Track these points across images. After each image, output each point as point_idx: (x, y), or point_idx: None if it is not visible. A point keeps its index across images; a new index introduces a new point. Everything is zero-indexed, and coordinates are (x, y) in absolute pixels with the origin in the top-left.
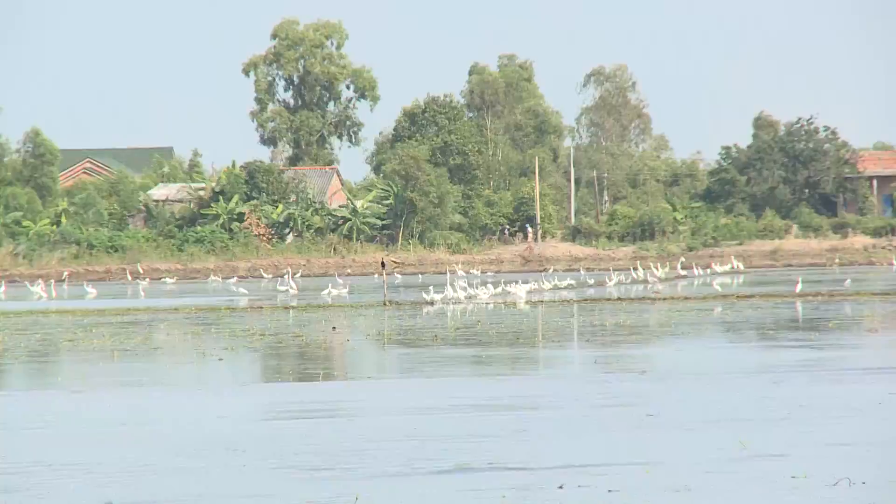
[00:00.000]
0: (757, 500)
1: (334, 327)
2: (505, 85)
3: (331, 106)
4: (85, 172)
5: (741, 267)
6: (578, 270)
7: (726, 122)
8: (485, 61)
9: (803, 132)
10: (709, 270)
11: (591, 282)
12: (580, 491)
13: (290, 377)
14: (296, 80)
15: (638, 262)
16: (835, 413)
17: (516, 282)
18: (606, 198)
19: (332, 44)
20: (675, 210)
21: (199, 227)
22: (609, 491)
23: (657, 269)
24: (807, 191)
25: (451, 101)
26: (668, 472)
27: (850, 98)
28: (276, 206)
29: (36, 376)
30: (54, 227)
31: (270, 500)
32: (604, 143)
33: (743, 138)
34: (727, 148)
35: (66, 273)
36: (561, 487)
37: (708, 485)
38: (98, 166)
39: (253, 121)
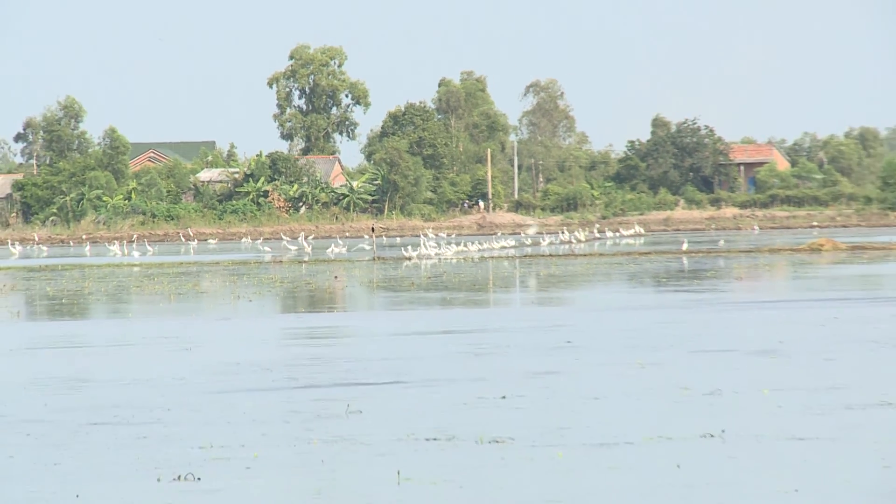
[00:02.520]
0: (651, 404)
1: (336, 276)
2: (465, 94)
3: (333, 110)
4: (149, 160)
5: (642, 231)
6: (520, 233)
7: (631, 121)
8: (450, 76)
9: (688, 130)
10: (617, 233)
11: (529, 242)
12: (519, 399)
13: (303, 311)
14: (307, 90)
15: (564, 227)
16: (714, 334)
17: (472, 242)
18: (541, 179)
19: (335, 63)
20: (592, 188)
21: (234, 201)
22: (546, 399)
23: (579, 232)
24: (691, 174)
25: (424, 107)
26: (583, 384)
27: (725, 101)
28: (293, 186)
29: (113, 311)
30: (126, 201)
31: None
32: (539, 138)
33: (643, 134)
34: (632, 142)
35: (135, 236)
36: (504, 398)
37: (614, 392)
38: (158, 155)
39: (275, 121)
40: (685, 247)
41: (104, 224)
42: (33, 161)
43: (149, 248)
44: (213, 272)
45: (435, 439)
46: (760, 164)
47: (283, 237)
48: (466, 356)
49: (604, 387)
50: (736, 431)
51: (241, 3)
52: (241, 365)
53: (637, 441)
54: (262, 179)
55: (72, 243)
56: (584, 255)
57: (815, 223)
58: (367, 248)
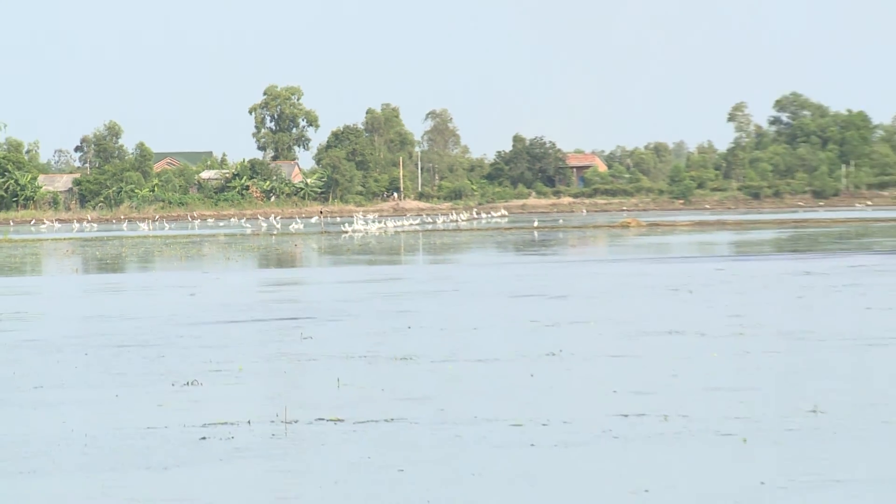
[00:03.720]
0: (512, 333)
1: (295, 244)
2: (384, 118)
3: (293, 130)
4: (167, 164)
5: (506, 213)
6: (422, 215)
7: (498, 138)
8: (374, 106)
9: (538, 143)
10: (489, 214)
11: (429, 221)
12: (421, 329)
13: (274, 266)
14: (276, 116)
15: (453, 210)
16: (555, 284)
17: (389, 221)
18: (437, 177)
19: (294, 97)
20: (472, 184)
21: (226, 193)
22: (441, 329)
23: (464, 214)
24: (539, 174)
25: (356, 127)
26: (466, 318)
27: (563, 122)
28: (266, 182)
29: (141, 268)
30: (151, 193)
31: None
32: (435, 149)
33: (507, 146)
34: (499, 152)
35: (157, 217)
36: (409, 328)
37: (486, 325)
38: (173, 161)
39: (253, 137)
40: (536, 224)
41: (135, 209)
42: (87, 165)
43: (166, 225)
44: (210, 242)
45: (363, 357)
46: (587, 167)
47: (260, 218)
48: (384, 298)
49: (480, 321)
50: (570, 351)
51: (232, 56)
52: (229, 305)
53: (503, 358)
54: (245, 178)
55: (113, 222)
56: (467, 230)
57: (624, 208)
58: (315, 223)
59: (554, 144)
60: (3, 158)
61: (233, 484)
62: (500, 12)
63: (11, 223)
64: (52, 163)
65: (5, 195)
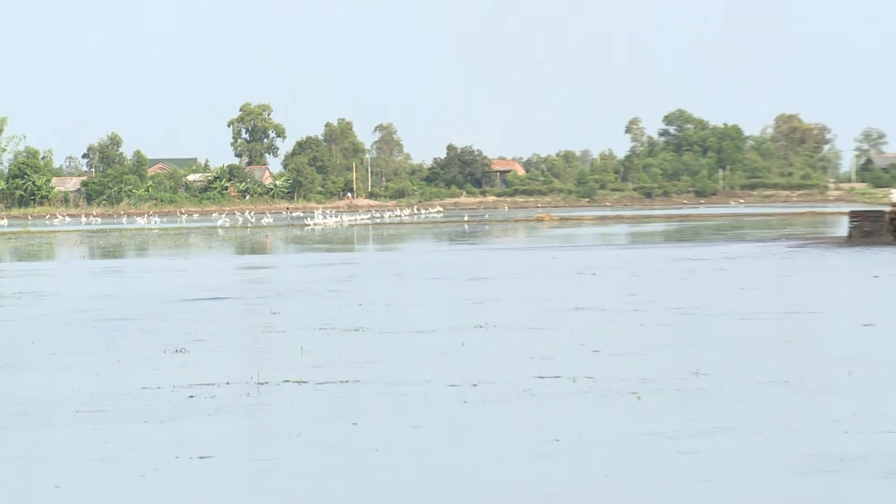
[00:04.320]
0: (446, 309)
1: (266, 235)
2: (340, 131)
3: (265, 140)
4: (159, 169)
5: (441, 210)
6: (371, 211)
7: (435, 146)
8: (331, 120)
9: (468, 151)
10: (427, 211)
11: (382, 215)
12: (371, 306)
13: (248, 253)
14: (250, 128)
15: (397, 207)
16: (483, 268)
17: (345, 215)
18: (384, 180)
19: (266, 113)
20: (413, 185)
21: (208, 192)
22: (387, 305)
23: (406, 210)
24: (469, 177)
25: (317, 138)
26: (407, 296)
27: (489, 132)
28: (241, 183)
29: (138, 255)
30: (146, 192)
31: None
32: (382, 156)
33: (442, 153)
34: (435, 158)
35: (151, 212)
36: (360, 304)
37: (425, 301)
38: (165, 166)
39: (231, 146)
40: (466, 218)
41: (133, 206)
42: (92, 169)
43: (158, 219)
44: (196, 233)
45: (322, 329)
46: (508, 171)
47: (236, 213)
48: (339, 280)
49: (420, 299)
50: (494, 324)
51: (214, 79)
52: (209, 285)
53: (439, 329)
54: (224, 180)
55: (114, 217)
56: (408, 224)
57: (539, 205)
58: (283, 217)
59: (481, 152)
60: (23, 164)
61: (216, 434)
62: (436, 41)
63: (30, 218)
64: (64, 167)
65: (24, 194)
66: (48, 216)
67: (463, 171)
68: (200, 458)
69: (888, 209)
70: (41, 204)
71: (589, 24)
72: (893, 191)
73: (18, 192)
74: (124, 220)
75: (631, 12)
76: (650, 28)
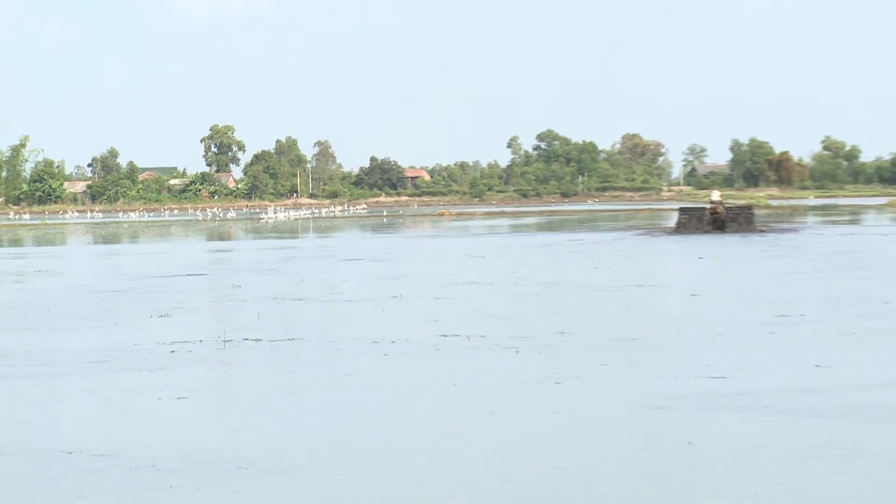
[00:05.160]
0: (370, 284)
1: (230, 226)
2: (287, 146)
3: (229, 153)
4: (147, 175)
5: (366, 207)
6: (311, 208)
7: (361, 158)
8: (280, 138)
9: (387, 162)
10: (355, 208)
11: (319, 211)
12: (311, 281)
13: (216, 240)
14: (218, 144)
15: (331, 205)
16: (399, 252)
17: (291, 211)
18: (322, 184)
19: (230, 132)
20: (344, 188)
21: (185, 193)
22: (322, 281)
23: (338, 207)
24: (387, 182)
25: (269, 152)
26: (341, 274)
27: (404, 146)
28: (211, 186)
29: (131, 240)
30: (137, 193)
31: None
32: (320, 166)
33: (367, 163)
34: (361, 167)
35: (141, 209)
36: (302, 280)
37: (354, 277)
38: (151, 173)
39: (203, 158)
40: (385, 213)
41: (127, 204)
42: (95, 175)
43: (146, 214)
44: (176, 225)
45: (273, 298)
46: (417, 177)
47: (207, 210)
48: (286, 260)
49: (348, 275)
50: (407, 295)
51: (190, 106)
52: (186, 264)
53: (363, 299)
54: (198, 184)
55: (112, 213)
56: (340, 218)
57: (441, 204)
58: (244, 213)
59: (396, 162)
60: (41, 171)
61: (191, 380)
62: (362, 75)
63: (46, 213)
64: (73, 174)
65: (42, 195)
66: (61, 212)
67: (382, 177)
68: (178, 398)
69: (708, 206)
70: (55, 202)
71: (479, 60)
72: (713, 192)
73: (38, 193)
74: (120, 215)
75: (514, 51)
76: (530, 62)
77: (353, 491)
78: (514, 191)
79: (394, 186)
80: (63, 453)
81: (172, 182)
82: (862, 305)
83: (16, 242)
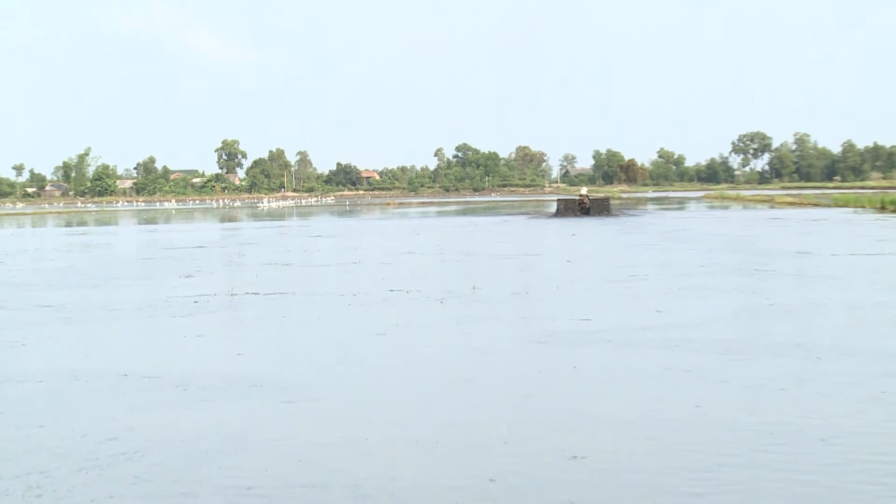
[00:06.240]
0: (334, 255)
1: (236, 212)
2: (277, 154)
3: (235, 160)
4: (177, 175)
5: (334, 199)
6: (295, 199)
7: (330, 162)
8: (273, 149)
9: (349, 167)
10: (325, 198)
11: (300, 202)
12: (297, 252)
13: (226, 222)
14: (227, 153)
15: (310, 197)
16: (358, 230)
17: (281, 201)
18: (303, 183)
19: (237, 144)
20: (318, 185)
21: (205, 189)
22: (303, 251)
23: (314, 199)
24: (349, 180)
25: (264, 159)
26: (314, 252)
27: (363, 152)
28: (222, 184)
29: (165, 223)
30: (170, 189)
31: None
32: (301, 169)
33: (334, 166)
34: (331, 170)
35: (173, 200)
36: (288, 251)
37: (322, 251)
38: (180, 174)
39: (217, 163)
40: (347, 203)
41: (162, 196)
42: (139, 175)
43: (176, 204)
44: (198, 211)
45: (269, 265)
46: (370, 177)
47: (220, 200)
48: (277, 236)
49: (322, 247)
50: (362, 262)
51: (207, 124)
52: (205, 239)
53: (331, 264)
54: (213, 182)
55: (152, 203)
56: (315, 206)
57: (387, 196)
58: (248, 203)
59: (356, 166)
60: (101, 172)
61: (208, 323)
62: (328, 99)
63: (104, 203)
64: (123, 174)
65: (101, 189)
66: (114, 202)
67: (346, 177)
68: (198, 336)
69: (578, 197)
70: (110, 195)
71: (414, 88)
72: (581, 188)
73: (98, 188)
74: (157, 204)
75: (441, 82)
76: (451, 92)
77: (332, 395)
78: (440, 187)
79: (354, 184)
80: (119, 375)
81: (195, 180)
82: (685, 268)
83: (82, 224)
